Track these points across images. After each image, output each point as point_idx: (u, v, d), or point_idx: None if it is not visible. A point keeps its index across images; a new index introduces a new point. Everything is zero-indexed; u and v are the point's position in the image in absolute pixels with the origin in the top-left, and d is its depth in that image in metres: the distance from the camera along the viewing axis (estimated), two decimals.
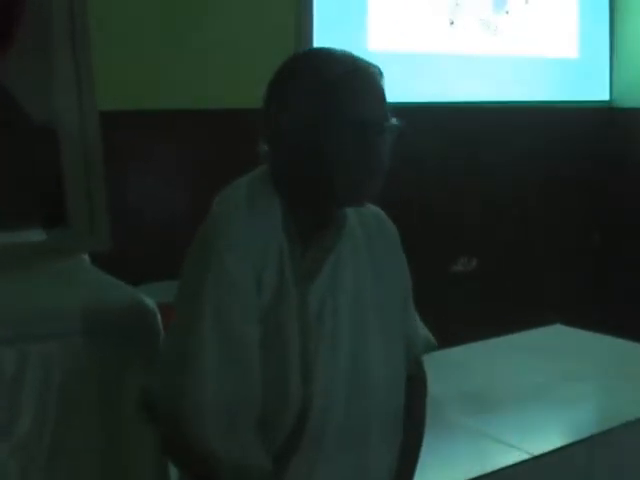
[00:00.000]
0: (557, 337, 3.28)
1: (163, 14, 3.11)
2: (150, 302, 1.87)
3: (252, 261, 1.52)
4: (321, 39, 3.50)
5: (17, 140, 2.13)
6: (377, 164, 1.54)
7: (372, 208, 1.71)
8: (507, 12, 4.22)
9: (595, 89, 4.68)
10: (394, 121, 1.55)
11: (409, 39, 3.91)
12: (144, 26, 3.06)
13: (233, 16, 3.28)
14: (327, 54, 1.58)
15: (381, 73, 1.57)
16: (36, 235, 2.08)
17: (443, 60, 4.02)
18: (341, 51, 1.58)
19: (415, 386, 1.77)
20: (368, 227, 1.69)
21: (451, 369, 2.75)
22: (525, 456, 2.32)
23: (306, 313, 1.57)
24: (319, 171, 1.52)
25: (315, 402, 1.56)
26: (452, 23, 4.05)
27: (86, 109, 2.18)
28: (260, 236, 1.54)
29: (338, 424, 1.59)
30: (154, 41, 3.09)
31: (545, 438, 2.48)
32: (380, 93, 1.56)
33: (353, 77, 1.52)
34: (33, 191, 2.15)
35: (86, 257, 2.16)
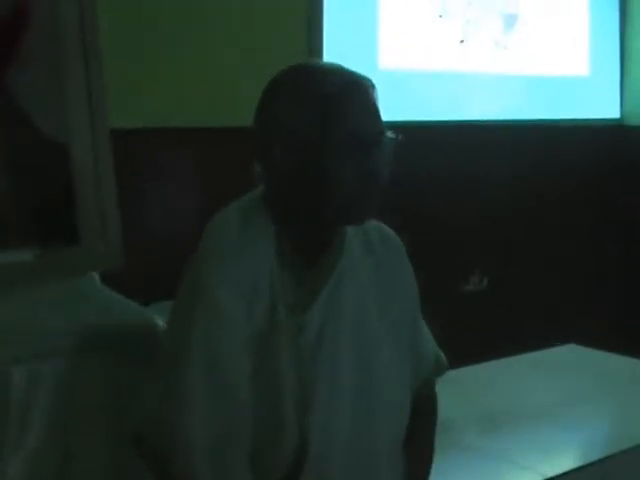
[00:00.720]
0: (571, 357, 3.26)
1: (177, 31, 3.11)
2: (159, 321, 1.86)
3: (243, 294, 1.49)
4: (332, 57, 3.49)
5: (26, 155, 2.12)
6: (375, 179, 1.49)
7: (374, 223, 1.65)
8: (518, 31, 4.22)
9: (606, 107, 4.66)
10: (389, 134, 1.51)
11: (420, 57, 3.90)
12: (157, 42, 3.06)
13: (242, 34, 3.28)
14: (317, 68, 1.54)
15: (373, 86, 1.52)
16: (47, 253, 2.07)
17: (454, 78, 4.01)
18: (331, 64, 1.54)
19: (424, 408, 1.73)
20: (370, 242, 1.64)
21: (464, 389, 2.72)
22: (539, 478, 2.30)
23: (301, 342, 1.53)
24: (315, 190, 1.47)
25: (314, 433, 1.52)
26: (462, 41, 4.05)
27: (97, 125, 2.17)
28: (252, 267, 1.50)
29: (341, 456, 1.54)
30: (167, 58, 3.09)
31: (559, 459, 2.46)
32: (373, 106, 1.51)
33: (346, 91, 1.48)
34: (43, 208, 2.14)
35: (96, 275, 2.16)
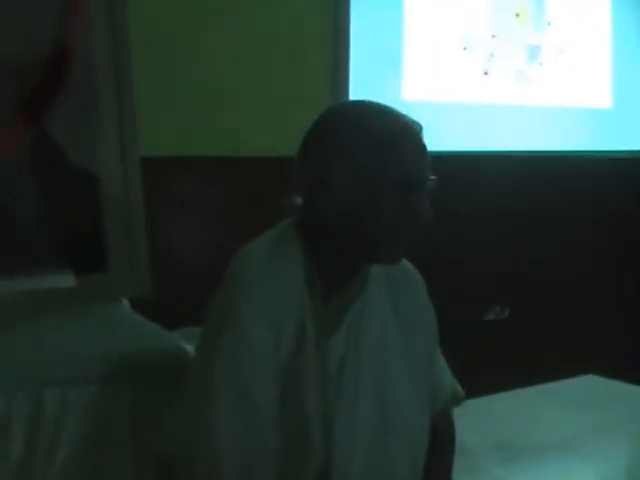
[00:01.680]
0: (590, 387, 3.24)
1: (202, 62, 3.16)
2: (187, 347, 1.90)
3: (272, 320, 1.52)
4: (357, 89, 3.55)
5: (58, 185, 2.17)
6: (421, 220, 1.54)
7: None
8: (541, 63, 4.25)
9: (630, 139, 4.67)
10: (432, 177, 1.57)
11: (443, 89, 3.95)
12: (184, 73, 3.12)
13: (268, 66, 3.33)
14: (372, 109, 1.57)
15: (422, 128, 1.58)
16: (77, 280, 2.11)
17: (477, 110, 4.05)
18: (383, 106, 1.58)
19: (441, 437, 1.77)
20: (392, 277, 1.69)
21: (483, 418, 2.73)
22: None
23: (326, 366, 1.57)
24: (362, 227, 1.52)
25: (337, 456, 1.56)
26: (486, 73, 4.09)
27: (128, 155, 2.23)
28: (281, 293, 1.54)
29: (362, 478, 1.58)
30: (194, 88, 3.14)
31: None
32: (424, 150, 1.56)
33: (401, 134, 1.53)
34: (74, 236, 2.19)
35: (126, 302, 2.20)
